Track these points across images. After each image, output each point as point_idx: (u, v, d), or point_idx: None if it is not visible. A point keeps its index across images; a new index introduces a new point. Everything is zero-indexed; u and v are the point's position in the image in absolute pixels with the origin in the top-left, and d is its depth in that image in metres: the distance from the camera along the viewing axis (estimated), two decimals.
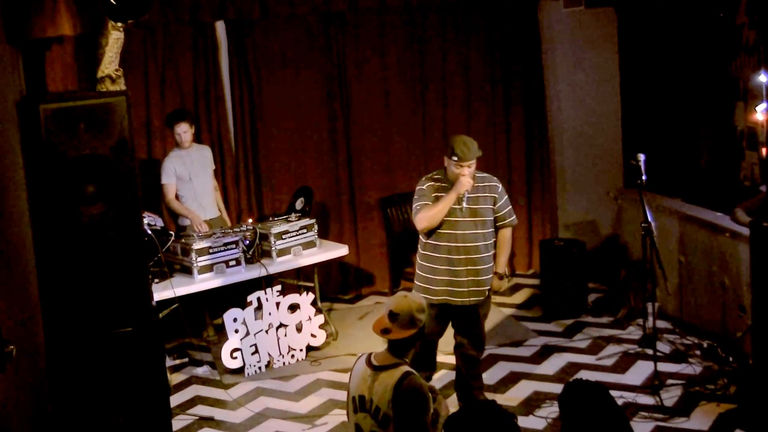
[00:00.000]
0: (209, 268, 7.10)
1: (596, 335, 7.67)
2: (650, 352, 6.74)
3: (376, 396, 4.22)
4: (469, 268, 5.96)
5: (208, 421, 6.52)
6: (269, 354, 7.29)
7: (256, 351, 7.21)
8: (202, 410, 6.70)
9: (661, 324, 7.54)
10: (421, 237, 6.12)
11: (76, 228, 4.63)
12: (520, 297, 8.85)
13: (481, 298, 6.05)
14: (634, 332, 7.65)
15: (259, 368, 7.24)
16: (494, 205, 6.03)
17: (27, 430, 4.05)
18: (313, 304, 7.53)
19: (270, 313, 7.23)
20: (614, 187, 9.27)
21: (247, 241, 7.37)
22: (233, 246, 7.21)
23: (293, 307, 7.42)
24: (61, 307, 4.66)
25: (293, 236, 7.52)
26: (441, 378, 6.59)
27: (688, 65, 8.22)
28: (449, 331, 6.26)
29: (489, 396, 6.44)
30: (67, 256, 4.63)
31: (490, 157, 9.17)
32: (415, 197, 6.06)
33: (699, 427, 5.96)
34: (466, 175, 5.87)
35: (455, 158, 5.87)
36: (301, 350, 7.46)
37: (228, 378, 7.19)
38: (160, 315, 6.11)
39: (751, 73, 7.47)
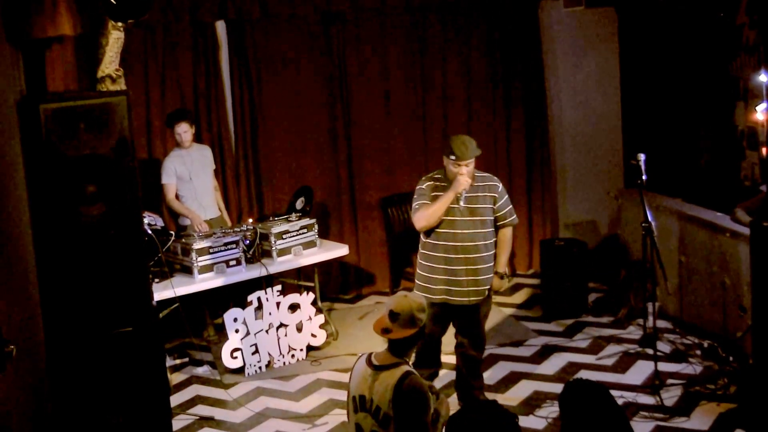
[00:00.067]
0: (209, 268, 7.10)
1: (596, 335, 7.68)
2: (650, 351, 6.74)
3: (376, 396, 4.22)
4: (467, 267, 5.96)
5: (208, 420, 6.52)
6: (269, 354, 7.29)
7: (257, 351, 7.21)
8: (202, 410, 6.71)
9: (662, 324, 7.54)
10: (421, 236, 6.13)
11: (77, 228, 4.63)
12: (520, 297, 8.85)
13: (480, 298, 6.05)
14: (634, 332, 7.65)
15: (260, 368, 7.24)
16: (494, 204, 6.04)
17: (27, 430, 4.05)
18: (314, 303, 7.53)
19: (270, 313, 7.23)
20: (615, 186, 9.27)
21: (248, 241, 7.37)
22: (233, 246, 7.21)
23: (293, 307, 7.42)
24: (61, 306, 4.66)
25: (294, 236, 7.52)
26: (441, 378, 6.58)
27: (689, 65, 8.23)
28: (451, 330, 6.27)
29: (489, 396, 6.44)
30: (68, 255, 4.63)
31: (491, 157, 9.18)
32: (415, 196, 6.08)
33: (699, 427, 5.96)
34: (464, 174, 5.88)
35: (453, 157, 5.89)
36: (301, 350, 7.46)
37: (228, 378, 7.19)
38: (161, 315, 6.11)
39: (751, 72, 7.48)
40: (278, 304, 7.27)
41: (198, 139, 8.12)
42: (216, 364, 7.41)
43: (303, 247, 7.57)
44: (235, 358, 7.16)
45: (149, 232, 6.41)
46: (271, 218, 7.94)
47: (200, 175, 7.80)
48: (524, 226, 9.43)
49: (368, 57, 8.95)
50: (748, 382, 5.99)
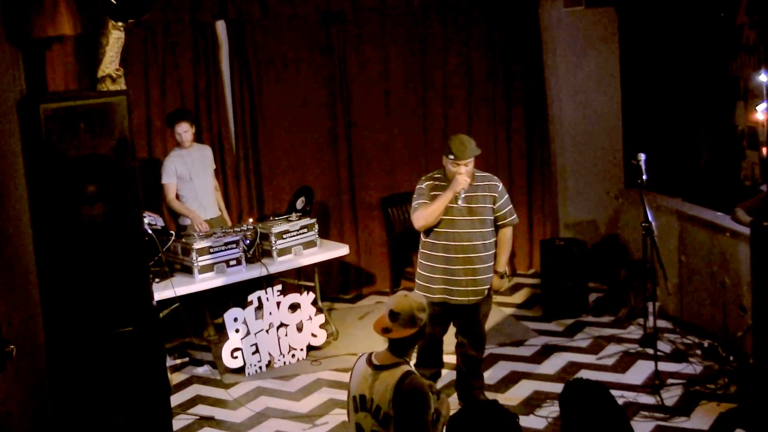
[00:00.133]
0: (210, 268, 7.10)
1: (597, 335, 7.67)
2: (651, 351, 6.74)
3: (376, 395, 4.22)
4: (466, 267, 5.97)
5: (208, 420, 6.52)
6: (270, 353, 7.29)
7: (257, 350, 7.21)
8: (202, 410, 6.71)
9: (662, 323, 7.54)
10: (421, 236, 6.15)
11: (77, 228, 4.63)
12: (520, 296, 8.85)
13: (479, 298, 6.05)
14: (634, 332, 7.65)
15: (260, 368, 7.24)
16: (494, 204, 6.04)
17: (27, 429, 4.05)
18: (314, 303, 7.53)
19: (270, 313, 7.23)
20: (615, 186, 9.27)
21: (248, 241, 7.37)
22: (234, 245, 7.21)
23: (294, 307, 7.42)
24: (62, 306, 4.66)
25: (294, 236, 7.52)
26: (441, 377, 6.57)
27: (689, 65, 8.23)
28: (452, 330, 6.27)
29: (490, 395, 6.44)
30: (68, 255, 4.63)
31: (491, 157, 9.18)
32: (414, 196, 6.10)
33: (699, 427, 5.96)
34: (462, 173, 5.88)
35: (452, 157, 5.90)
36: (301, 350, 7.46)
37: (228, 377, 7.19)
38: (161, 315, 6.11)
39: (751, 72, 7.48)
40: (278, 303, 7.27)
41: (198, 138, 8.12)
42: (216, 363, 7.41)
43: (303, 246, 7.57)
44: (236, 357, 7.16)
45: (149, 231, 6.41)
46: (271, 218, 7.94)
47: (200, 174, 7.80)
48: (524, 226, 9.43)
49: (368, 57, 8.95)
50: (749, 381, 5.99)
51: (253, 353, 7.19)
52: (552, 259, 8.32)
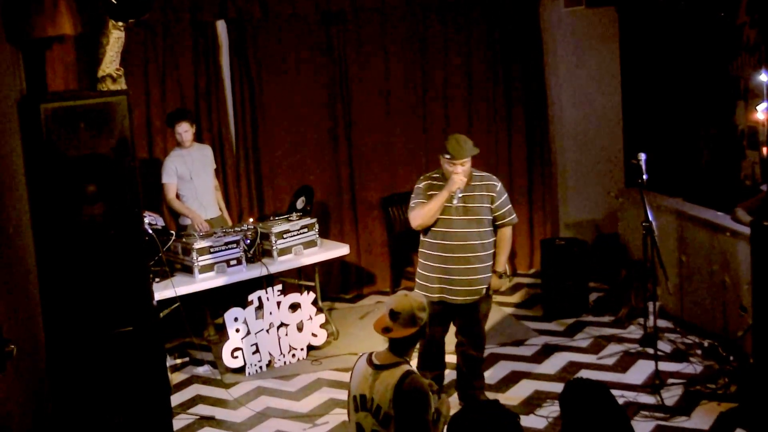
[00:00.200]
0: (210, 268, 7.10)
1: (597, 334, 7.67)
2: (651, 351, 6.73)
3: (377, 395, 4.22)
4: (463, 266, 5.98)
5: (209, 420, 6.52)
6: (270, 353, 7.29)
7: (257, 350, 7.21)
8: (203, 410, 6.71)
9: (662, 323, 7.54)
10: (420, 235, 6.15)
11: (77, 227, 4.63)
12: (521, 296, 8.85)
13: (476, 297, 6.05)
14: (634, 331, 7.65)
15: (260, 367, 7.24)
16: (492, 204, 6.03)
17: (27, 429, 4.04)
18: (314, 303, 7.53)
19: (271, 313, 7.23)
20: (615, 186, 9.26)
21: (248, 241, 7.37)
22: (234, 245, 7.21)
23: (294, 307, 7.42)
24: (62, 306, 4.66)
25: (294, 235, 7.52)
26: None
27: (689, 65, 8.23)
28: (453, 330, 6.27)
29: (490, 395, 6.44)
30: (68, 255, 4.63)
31: (492, 157, 9.19)
32: (412, 196, 6.12)
33: (700, 427, 5.96)
34: (458, 173, 5.89)
35: (448, 156, 5.92)
36: (302, 349, 7.46)
37: (229, 377, 7.19)
38: (161, 314, 6.11)
39: (751, 72, 7.48)
40: (279, 303, 7.27)
41: (198, 138, 8.12)
42: (217, 363, 7.41)
43: (304, 246, 7.57)
44: (236, 357, 7.16)
45: (150, 231, 6.41)
46: (271, 218, 7.94)
47: (201, 174, 7.80)
48: (525, 226, 9.43)
49: (369, 56, 8.95)
50: (749, 381, 5.99)
51: (254, 353, 7.19)
52: (552, 258, 8.32)
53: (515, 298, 8.80)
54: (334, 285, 9.05)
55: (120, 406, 4.81)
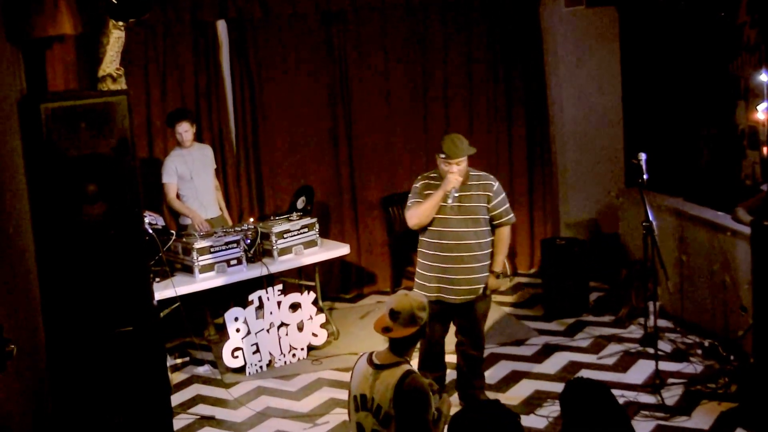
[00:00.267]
0: (210, 267, 7.10)
1: (597, 334, 7.67)
2: (651, 351, 6.73)
3: (377, 395, 4.22)
4: (459, 265, 5.99)
5: (209, 420, 6.52)
6: (270, 353, 7.29)
7: (258, 350, 7.21)
8: (203, 409, 6.71)
9: (662, 323, 7.53)
10: (419, 235, 6.16)
11: (77, 227, 4.63)
12: (521, 296, 8.85)
13: (473, 296, 6.06)
14: (635, 331, 7.65)
15: (261, 367, 7.24)
16: (488, 203, 6.03)
17: (27, 429, 4.04)
18: (315, 303, 7.53)
19: (271, 312, 7.23)
20: (615, 186, 9.26)
21: (249, 240, 7.37)
22: (234, 245, 7.21)
23: (294, 306, 7.42)
24: (62, 306, 4.65)
25: (295, 235, 7.52)
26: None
27: (690, 64, 8.22)
28: (453, 330, 6.27)
29: (491, 395, 6.44)
30: (68, 255, 4.63)
31: (492, 156, 9.19)
32: (410, 195, 6.14)
33: (700, 426, 5.96)
34: (454, 172, 5.90)
35: (443, 156, 5.94)
36: (302, 349, 7.46)
37: (229, 377, 7.19)
38: (162, 314, 6.11)
39: (752, 72, 7.47)
40: (279, 303, 7.27)
41: (199, 138, 8.12)
42: (217, 363, 7.41)
43: (304, 246, 7.57)
44: (236, 357, 7.16)
45: (150, 231, 6.41)
46: (272, 217, 7.94)
47: (201, 174, 7.80)
48: (525, 225, 9.44)
49: (369, 56, 8.96)
50: (749, 381, 5.99)
51: (254, 353, 7.19)
52: (553, 258, 8.32)
53: (515, 297, 8.80)
54: (335, 285, 9.05)
55: (120, 406, 4.80)
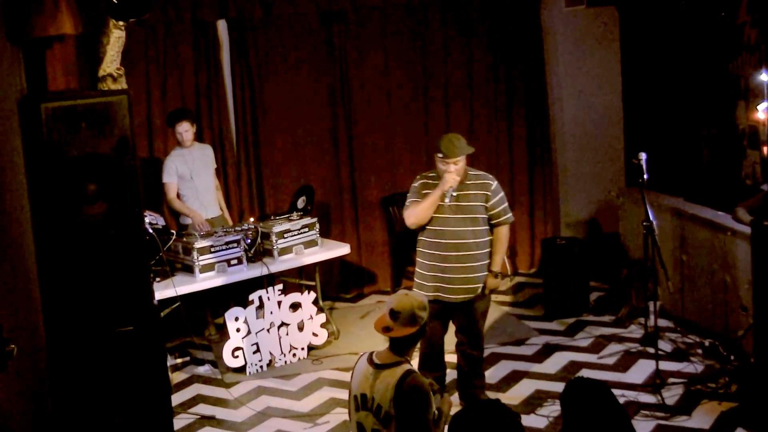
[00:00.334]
0: (211, 267, 7.10)
1: (598, 334, 7.67)
2: (652, 350, 6.73)
3: (377, 394, 4.22)
4: (457, 265, 5.99)
5: (209, 420, 6.52)
6: (271, 353, 7.29)
7: (258, 350, 7.21)
8: (203, 409, 6.71)
9: (663, 323, 7.53)
10: (418, 234, 6.17)
11: (78, 227, 4.63)
12: (521, 295, 8.85)
13: (471, 296, 6.06)
14: (635, 331, 7.65)
15: (261, 367, 7.24)
16: (486, 202, 6.03)
17: (27, 429, 4.04)
18: (315, 302, 7.53)
19: (271, 312, 7.23)
20: (616, 185, 9.25)
21: (249, 240, 7.37)
22: (235, 245, 7.21)
23: (295, 306, 7.42)
24: (63, 306, 4.66)
25: (295, 235, 7.52)
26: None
27: (690, 64, 8.22)
28: (453, 329, 6.27)
29: (491, 394, 6.44)
30: (69, 255, 4.63)
31: (492, 156, 9.19)
32: (408, 195, 6.15)
33: (701, 426, 5.95)
34: (451, 172, 5.90)
35: (440, 155, 5.95)
36: (302, 349, 7.46)
37: (229, 377, 7.19)
38: (162, 314, 6.11)
39: (752, 71, 7.46)
40: (279, 303, 7.27)
41: (199, 138, 8.12)
42: (217, 363, 7.41)
43: (304, 246, 7.57)
44: (237, 357, 7.16)
45: (150, 231, 6.42)
46: (272, 217, 7.94)
47: (201, 174, 7.80)
48: (526, 225, 9.43)
49: (369, 56, 8.96)
50: (750, 380, 5.99)
51: (254, 352, 7.19)
52: (553, 258, 8.32)
53: (516, 297, 8.80)
54: (335, 284, 9.05)
55: (120, 405, 4.81)
